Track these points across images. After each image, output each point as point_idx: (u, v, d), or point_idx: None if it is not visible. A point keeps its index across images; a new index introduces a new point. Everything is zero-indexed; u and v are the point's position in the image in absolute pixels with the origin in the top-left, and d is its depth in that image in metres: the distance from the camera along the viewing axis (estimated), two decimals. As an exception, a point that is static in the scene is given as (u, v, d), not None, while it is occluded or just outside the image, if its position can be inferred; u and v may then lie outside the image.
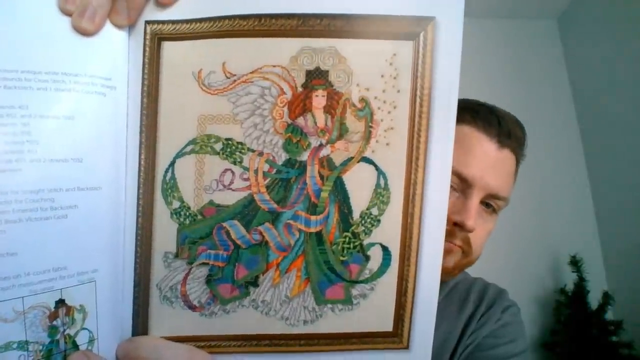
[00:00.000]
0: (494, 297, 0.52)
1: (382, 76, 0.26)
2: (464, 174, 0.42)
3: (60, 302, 0.24)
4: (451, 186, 0.42)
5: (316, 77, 0.26)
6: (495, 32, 1.75)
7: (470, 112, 0.46)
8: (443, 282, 0.46)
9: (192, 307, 0.27)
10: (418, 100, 0.26)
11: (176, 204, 0.27)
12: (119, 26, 0.26)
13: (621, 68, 1.47)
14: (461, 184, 0.43)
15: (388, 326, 0.29)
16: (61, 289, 0.24)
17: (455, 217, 0.42)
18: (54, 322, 0.23)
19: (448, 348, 0.47)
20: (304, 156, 0.27)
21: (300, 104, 0.27)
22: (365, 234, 0.28)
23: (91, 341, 0.25)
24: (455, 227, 0.43)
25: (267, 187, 0.27)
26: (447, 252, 0.43)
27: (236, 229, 0.27)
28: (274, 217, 0.27)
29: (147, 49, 0.27)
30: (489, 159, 0.43)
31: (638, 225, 1.40)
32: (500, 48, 1.72)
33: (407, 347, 0.29)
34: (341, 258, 0.28)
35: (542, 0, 1.69)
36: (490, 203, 0.45)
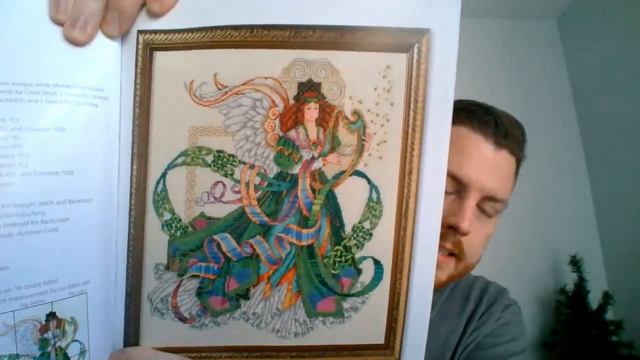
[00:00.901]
0: (495, 296, 0.51)
1: (375, 89, 0.26)
2: (459, 176, 0.41)
3: (51, 315, 0.24)
4: (446, 189, 0.41)
5: (308, 90, 0.26)
6: (495, 32, 1.73)
7: (466, 112, 0.44)
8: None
9: (182, 319, 0.27)
10: (412, 113, 0.26)
11: (167, 216, 0.27)
12: (110, 36, 0.26)
13: (621, 68, 1.46)
14: (457, 186, 0.42)
15: (380, 339, 0.29)
16: (52, 302, 0.24)
17: (449, 219, 0.41)
18: (45, 335, 0.24)
19: (450, 347, 0.47)
20: (296, 169, 0.27)
21: (292, 117, 0.26)
22: (357, 247, 0.27)
23: (82, 353, 0.25)
24: (448, 230, 0.41)
25: (259, 200, 0.27)
26: (437, 266, 0.43)
27: (227, 242, 0.27)
28: (265, 230, 0.27)
29: (140, 58, 0.27)
30: (485, 161, 0.42)
31: (638, 225, 1.39)
32: (500, 48, 1.71)
33: None
34: (333, 271, 0.28)
35: (542, 0, 1.68)
36: (488, 205, 0.43)
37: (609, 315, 1.38)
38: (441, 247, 0.42)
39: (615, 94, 1.50)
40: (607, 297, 1.36)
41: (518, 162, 0.46)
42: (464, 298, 0.51)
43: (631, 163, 1.43)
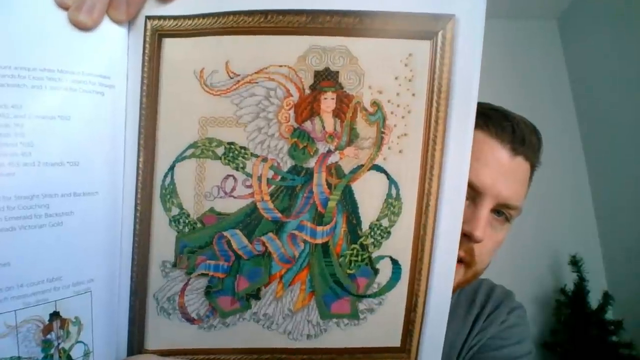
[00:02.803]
0: (501, 299, 0.51)
1: (396, 78, 0.24)
2: (474, 182, 0.40)
3: (55, 315, 0.23)
4: None
5: (325, 79, 0.24)
6: (495, 32, 1.72)
7: (483, 117, 0.43)
8: None
9: (190, 320, 0.26)
10: (435, 104, 0.24)
11: (175, 211, 0.26)
12: (117, 21, 0.25)
13: (621, 68, 1.45)
14: (471, 192, 0.41)
15: (396, 342, 0.27)
16: (56, 301, 0.23)
17: (463, 226, 0.39)
18: (48, 336, 0.22)
19: (455, 349, 0.47)
20: (311, 163, 0.25)
21: (307, 107, 0.25)
22: (375, 246, 0.26)
23: (86, 354, 0.24)
24: (461, 237, 0.41)
25: (271, 195, 0.25)
26: None
27: (238, 239, 0.26)
28: (278, 227, 0.26)
29: (147, 45, 0.26)
30: (501, 167, 0.41)
31: (638, 225, 1.38)
32: (500, 48, 1.71)
33: None
34: (348, 271, 0.26)
35: (542, 0, 1.67)
36: (502, 212, 0.43)
37: (609, 315, 1.37)
38: None
39: (615, 94, 1.49)
40: (607, 297, 1.36)
41: (532, 168, 0.46)
42: (469, 300, 0.51)
43: (631, 163, 1.42)
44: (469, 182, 0.40)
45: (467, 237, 0.40)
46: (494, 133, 0.42)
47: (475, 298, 0.51)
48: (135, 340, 0.26)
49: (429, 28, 0.24)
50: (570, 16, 1.72)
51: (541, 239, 1.56)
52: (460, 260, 0.42)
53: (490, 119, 0.43)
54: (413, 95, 0.24)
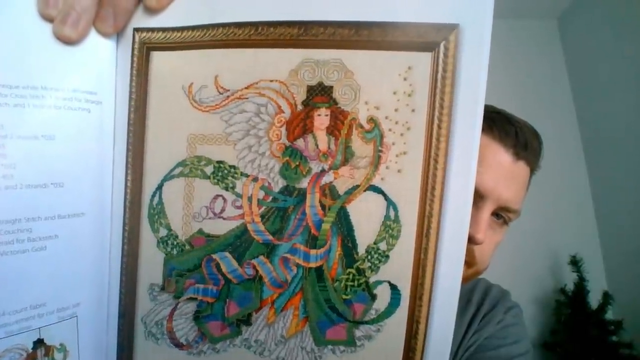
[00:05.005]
0: (497, 298, 0.51)
1: (395, 93, 0.23)
2: (476, 185, 0.40)
3: (39, 343, 0.22)
4: None
5: (319, 94, 0.23)
6: (495, 32, 1.70)
7: (487, 120, 0.42)
8: None
9: (178, 345, 0.25)
10: (436, 121, 0.23)
11: (163, 232, 0.25)
12: (104, 34, 0.24)
13: (621, 68, 1.46)
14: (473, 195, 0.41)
15: None
16: (39, 328, 0.22)
17: None
18: (31, 364, 0.22)
19: (452, 348, 0.46)
20: (304, 183, 0.24)
21: (300, 124, 0.23)
22: (372, 270, 0.24)
23: (72, 381, 0.23)
24: None
25: (262, 216, 0.24)
26: None
27: (227, 262, 0.24)
28: (269, 250, 0.24)
29: (136, 59, 0.25)
30: (503, 171, 0.41)
31: (638, 225, 1.39)
32: (500, 48, 1.73)
33: None
34: (344, 296, 0.25)
35: (542, 0, 1.68)
36: (501, 215, 0.43)
37: (609, 315, 1.38)
38: None
39: (615, 94, 1.50)
40: (607, 297, 1.36)
41: (532, 172, 0.46)
42: (465, 300, 0.51)
43: (631, 163, 1.43)
44: None
45: (468, 240, 0.40)
46: (498, 137, 0.42)
47: (471, 298, 0.51)
48: (124, 364, 0.25)
49: (430, 39, 0.22)
50: (570, 16, 1.73)
51: (541, 239, 1.57)
52: None
53: (494, 122, 0.43)
54: (413, 111, 0.23)
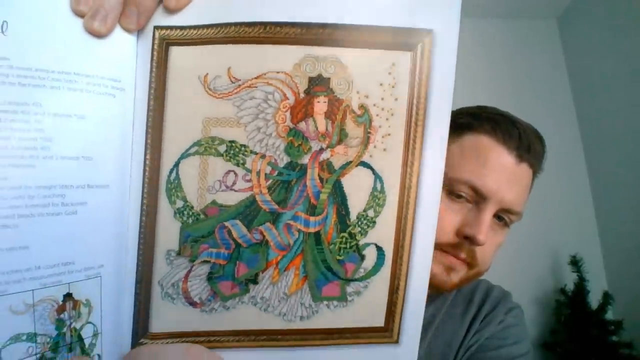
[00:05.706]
0: (498, 299, 0.52)
1: (381, 84, 0.27)
2: (479, 187, 0.41)
3: (68, 296, 0.25)
4: (465, 198, 0.42)
5: (318, 84, 0.27)
6: (495, 32, 1.72)
7: (491, 122, 0.44)
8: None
9: (193, 304, 0.28)
10: (414, 108, 0.28)
11: (180, 204, 0.28)
12: (128, 30, 0.27)
13: (621, 68, 1.45)
14: (475, 197, 0.42)
15: (380, 322, 0.30)
16: (69, 283, 0.25)
17: (466, 230, 0.41)
18: (61, 316, 0.24)
19: (453, 348, 0.47)
20: (305, 159, 0.28)
21: (302, 109, 0.28)
22: (361, 234, 0.29)
23: (95, 335, 0.26)
24: (464, 240, 0.42)
25: (269, 188, 0.28)
26: (450, 269, 0.43)
27: (238, 229, 0.28)
28: (275, 218, 0.28)
29: (155, 53, 0.28)
30: (506, 173, 0.42)
31: (638, 225, 1.38)
32: (500, 48, 1.71)
33: (397, 342, 0.30)
34: (338, 257, 0.29)
35: (542, 0, 1.67)
36: (502, 216, 0.44)
37: (609, 315, 1.38)
38: (456, 256, 0.43)
39: (615, 94, 1.48)
40: (607, 297, 1.36)
41: (534, 175, 0.46)
42: (467, 300, 0.51)
43: (631, 163, 1.41)
44: (474, 186, 0.41)
45: (469, 240, 0.41)
46: (502, 139, 0.42)
47: (472, 298, 0.51)
48: (140, 324, 0.28)
49: (411, 41, 0.27)
50: (570, 16, 1.71)
51: (541, 239, 1.55)
52: (462, 262, 0.44)
53: (498, 124, 0.43)
54: (396, 99, 0.28)
